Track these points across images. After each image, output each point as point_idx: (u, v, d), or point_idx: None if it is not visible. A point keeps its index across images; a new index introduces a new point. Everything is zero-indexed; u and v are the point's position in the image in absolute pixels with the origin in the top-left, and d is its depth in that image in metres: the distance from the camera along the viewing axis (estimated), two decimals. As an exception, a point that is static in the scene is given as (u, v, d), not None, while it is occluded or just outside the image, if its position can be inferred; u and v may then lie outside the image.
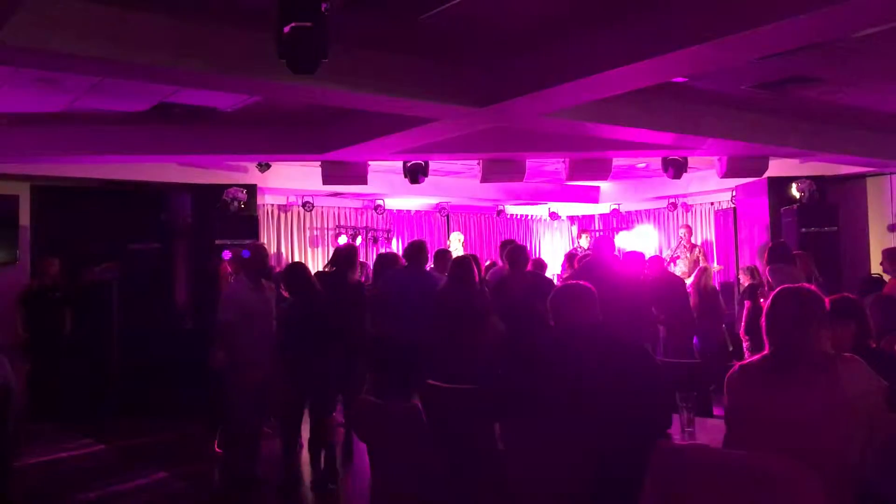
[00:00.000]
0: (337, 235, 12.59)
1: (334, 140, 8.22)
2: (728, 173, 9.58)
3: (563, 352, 3.42)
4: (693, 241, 12.23)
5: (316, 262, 12.25)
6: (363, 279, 8.38)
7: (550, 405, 3.31)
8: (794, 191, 10.70)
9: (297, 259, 11.64)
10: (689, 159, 9.54)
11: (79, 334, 8.91)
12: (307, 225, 12.58)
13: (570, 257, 9.45)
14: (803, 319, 2.78)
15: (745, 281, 9.48)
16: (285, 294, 6.09)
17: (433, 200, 13.36)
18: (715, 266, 12.16)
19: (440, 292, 6.22)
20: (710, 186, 11.98)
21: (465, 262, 6.27)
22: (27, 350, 8.33)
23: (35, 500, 5.80)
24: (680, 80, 6.48)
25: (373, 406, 4.15)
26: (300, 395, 5.88)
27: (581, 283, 3.60)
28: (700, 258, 11.44)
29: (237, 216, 9.93)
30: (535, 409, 3.37)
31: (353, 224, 12.96)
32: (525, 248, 7.31)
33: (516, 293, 6.28)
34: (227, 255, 7.80)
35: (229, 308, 5.76)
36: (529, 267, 7.29)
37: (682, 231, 12.28)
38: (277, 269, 8.47)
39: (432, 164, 9.50)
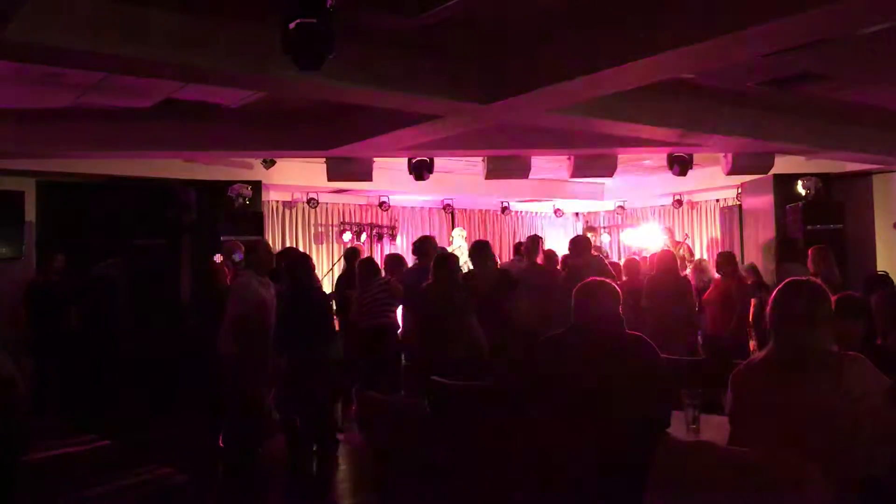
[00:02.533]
0: (342, 232, 12.61)
1: (339, 136, 8.22)
2: (734, 170, 9.55)
3: (576, 345, 3.55)
4: (677, 239, 12.22)
5: (321, 259, 12.27)
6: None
7: (562, 397, 3.36)
8: (800, 188, 10.66)
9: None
10: (695, 156, 9.52)
11: (84, 330, 8.92)
12: (312, 221, 12.60)
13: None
14: (809, 315, 2.77)
15: (747, 279, 9.46)
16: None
17: (438, 197, 13.36)
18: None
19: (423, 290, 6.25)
20: (715, 183, 11.95)
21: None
22: (32, 345, 8.34)
23: (40, 495, 5.81)
24: (686, 76, 6.46)
25: (377, 402, 4.15)
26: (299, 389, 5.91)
27: (601, 279, 3.69)
28: (686, 255, 11.43)
29: (242, 212, 9.94)
30: (548, 401, 3.43)
31: (357, 220, 12.96)
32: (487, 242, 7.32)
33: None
34: (217, 257, 7.83)
35: (244, 302, 5.78)
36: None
37: (664, 235, 12.27)
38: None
39: (437, 161, 9.49)
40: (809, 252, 7.51)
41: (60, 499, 5.80)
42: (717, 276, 8.17)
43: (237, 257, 6.41)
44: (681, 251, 11.67)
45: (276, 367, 5.90)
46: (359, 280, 7.48)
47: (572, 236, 9.00)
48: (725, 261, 8.11)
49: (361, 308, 7.33)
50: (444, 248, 9.03)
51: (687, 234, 13.27)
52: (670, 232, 12.37)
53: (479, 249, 6.74)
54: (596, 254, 7.86)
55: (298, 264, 6.08)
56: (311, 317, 5.79)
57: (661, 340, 6.99)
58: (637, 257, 10.99)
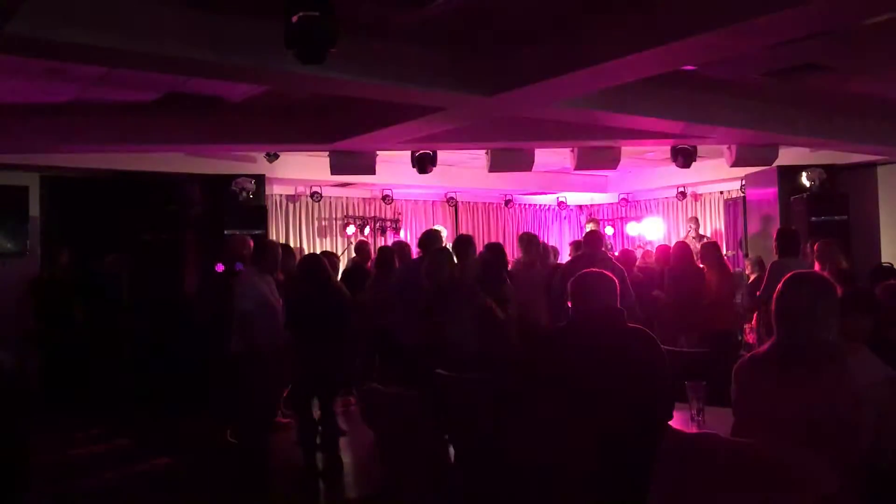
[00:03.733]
0: (345, 225, 12.61)
1: (342, 130, 8.21)
2: (738, 162, 9.53)
3: (574, 336, 3.53)
4: (701, 232, 12.20)
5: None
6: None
7: (561, 388, 3.36)
8: (804, 179, 10.64)
9: (304, 249, 11.66)
10: (699, 148, 9.50)
11: (89, 324, 8.94)
12: (315, 215, 12.60)
13: (576, 246, 9.48)
14: (812, 308, 2.76)
15: (750, 273, 9.45)
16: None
17: (441, 190, 13.36)
18: (731, 252, 12.21)
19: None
20: (719, 175, 11.94)
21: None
22: (37, 340, 8.36)
23: (46, 488, 5.83)
24: (689, 68, 6.45)
25: (381, 394, 4.16)
26: (308, 381, 5.96)
27: (600, 270, 3.67)
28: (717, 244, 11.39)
29: (246, 206, 9.94)
30: (546, 392, 3.43)
31: (361, 214, 12.97)
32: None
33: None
34: (219, 267, 7.85)
35: (248, 298, 5.84)
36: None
37: (690, 225, 12.26)
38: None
39: (440, 154, 9.48)
40: (815, 246, 7.43)
41: (65, 492, 5.82)
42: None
43: (237, 266, 6.45)
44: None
45: (285, 362, 5.96)
46: (375, 270, 7.43)
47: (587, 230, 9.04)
48: (710, 252, 8.05)
49: (377, 303, 7.21)
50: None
51: (690, 229, 13.22)
52: (696, 222, 12.32)
53: (463, 244, 6.76)
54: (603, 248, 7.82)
55: (314, 264, 6.12)
56: (325, 314, 5.83)
57: (683, 331, 7.12)
58: (640, 249, 11.00)
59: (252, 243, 7.27)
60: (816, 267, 6.94)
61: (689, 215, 13.07)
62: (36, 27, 4.45)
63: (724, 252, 11.85)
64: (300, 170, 11.00)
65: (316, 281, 5.98)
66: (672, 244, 11.45)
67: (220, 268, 7.73)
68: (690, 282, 7.50)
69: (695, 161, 9.61)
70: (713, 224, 13.54)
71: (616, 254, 9.73)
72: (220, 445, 6.72)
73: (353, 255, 9.59)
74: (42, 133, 7.82)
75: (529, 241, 7.92)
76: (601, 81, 6.06)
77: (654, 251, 10.10)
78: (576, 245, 9.56)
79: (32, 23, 4.40)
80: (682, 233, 13.05)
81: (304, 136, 8.49)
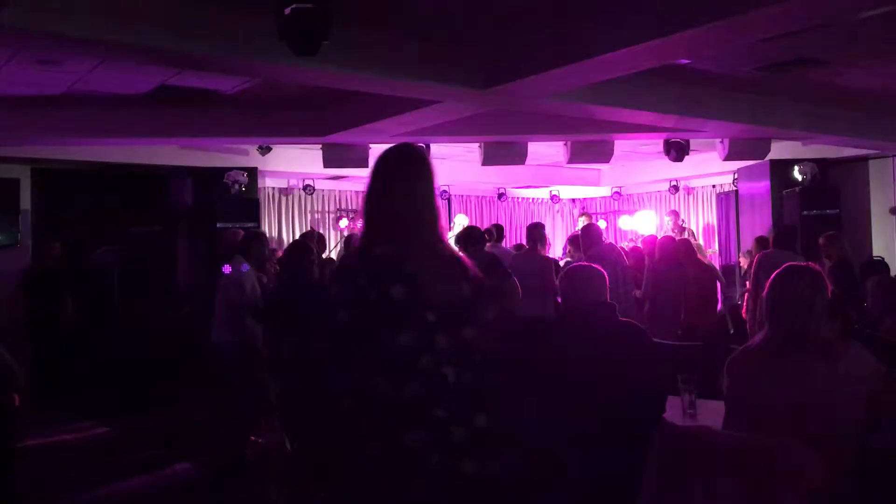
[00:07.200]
0: (338, 219, 12.59)
1: (335, 123, 8.20)
2: (730, 156, 9.55)
3: (566, 329, 3.56)
4: (681, 224, 12.19)
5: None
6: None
7: (552, 382, 3.37)
8: (797, 173, 10.67)
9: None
10: (692, 142, 9.52)
11: (80, 317, 8.92)
12: (308, 208, 12.57)
13: (572, 240, 9.46)
14: (807, 301, 2.77)
15: (744, 264, 9.48)
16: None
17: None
18: (711, 250, 12.23)
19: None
20: (711, 169, 11.96)
21: None
22: (28, 333, 8.33)
23: (37, 482, 5.82)
24: (682, 61, 6.45)
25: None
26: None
27: (590, 265, 3.70)
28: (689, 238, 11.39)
29: (238, 199, 9.92)
30: (538, 386, 3.43)
31: (354, 207, 12.94)
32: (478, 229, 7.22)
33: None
34: (226, 269, 7.82)
35: (242, 291, 5.87)
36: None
37: (667, 218, 12.22)
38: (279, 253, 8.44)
39: (433, 147, 9.47)
40: (820, 241, 7.44)
41: (57, 485, 5.82)
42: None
43: (243, 268, 6.43)
44: (685, 235, 11.63)
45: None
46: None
47: (583, 225, 8.96)
48: (687, 248, 7.98)
49: None
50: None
51: (668, 223, 13.22)
52: (675, 215, 12.32)
53: (468, 236, 6.73)
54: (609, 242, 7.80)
55: (298, 256, 6.11)
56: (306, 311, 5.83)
57: (659, 328, 7.08)
58: (632, 243, 11.00)
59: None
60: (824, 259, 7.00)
61: (669, 208, 13.04)
62: (29, 18, 4.42)
63: (713, 248, 11.94)
64: (293, 163, 10.97)
65: (300, 276, 5.97)
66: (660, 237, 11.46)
67: (227, 269, 7.73)
68: (673, 278, 7.36)
69: (687, 155, 9.63)
70: (705, 217, 13.57)
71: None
72: (209, 438, 6.71)
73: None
74: (33, 125, 7.78)
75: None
76: (594, 75, 6.06)
77: (638, 245, 10.07)
78: (573, 241, 9.52)
79: (23, 13, 4.38)
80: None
81: (296, 128, 8.47)
